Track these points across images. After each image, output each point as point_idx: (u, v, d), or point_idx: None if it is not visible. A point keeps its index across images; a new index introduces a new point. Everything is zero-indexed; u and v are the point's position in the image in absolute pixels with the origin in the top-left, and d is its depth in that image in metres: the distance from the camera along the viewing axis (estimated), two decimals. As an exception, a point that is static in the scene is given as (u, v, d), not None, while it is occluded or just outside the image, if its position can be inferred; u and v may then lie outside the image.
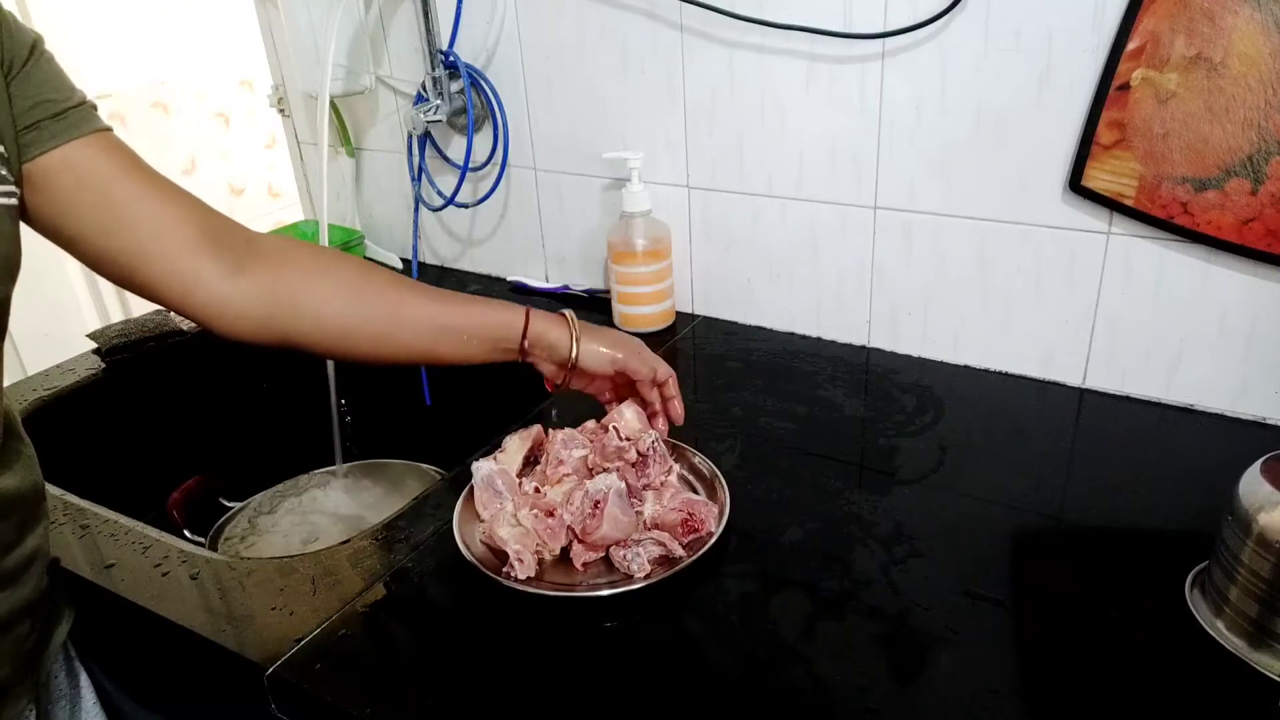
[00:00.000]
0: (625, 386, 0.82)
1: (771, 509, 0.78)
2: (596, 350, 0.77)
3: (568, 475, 0.76)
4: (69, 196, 0.62)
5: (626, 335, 0.81)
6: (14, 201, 0.60)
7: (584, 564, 0.71)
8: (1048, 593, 0.67)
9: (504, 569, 0.69)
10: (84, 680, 0.77)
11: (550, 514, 0.72)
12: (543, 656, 0.64)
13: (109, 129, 0.65)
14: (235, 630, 0.67)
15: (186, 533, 1.05)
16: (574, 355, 0.76)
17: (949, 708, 0.58)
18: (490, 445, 0.86)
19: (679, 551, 0.70)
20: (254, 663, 0.64)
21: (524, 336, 0.75)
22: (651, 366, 0.79)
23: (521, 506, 0.74)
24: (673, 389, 0.81)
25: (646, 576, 0.68)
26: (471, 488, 0.78)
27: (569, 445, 0.77)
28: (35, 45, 0.62)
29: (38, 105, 0.61)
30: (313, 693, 0.61)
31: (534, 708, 0.60)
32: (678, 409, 0.81)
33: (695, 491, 0.78)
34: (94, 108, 0.65)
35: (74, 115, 0.63)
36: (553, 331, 0.76)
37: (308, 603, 0.69)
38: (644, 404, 0.81)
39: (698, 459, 0.81)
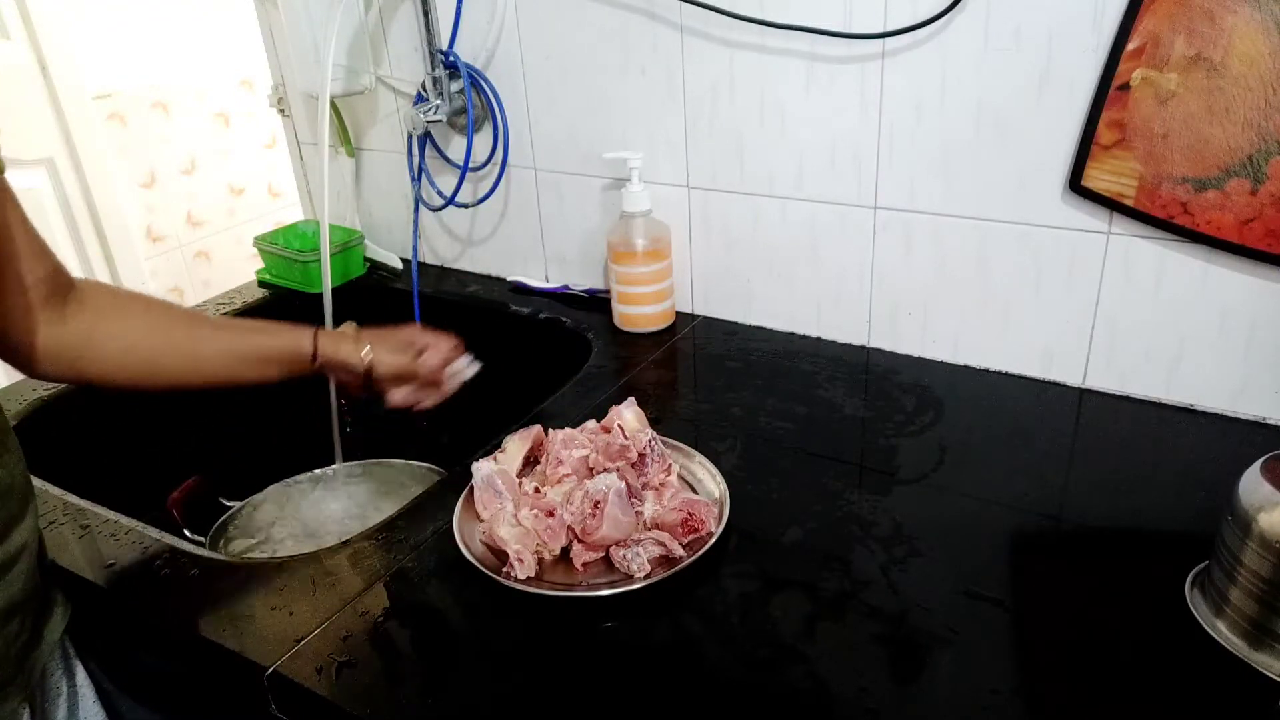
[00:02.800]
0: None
1: (771, 509, 0.78)
2: (387, 358, 0.85)
3: (567, 475, 0.76)
4: None
5: (406, 330, 0.90)
6: None
7: (584, 564, 0.71)
8: (1048, 593, 0.67)
9: (504, 569, 0.69)
10: (81, 677, 0.77)
11: (550, 514, 0.72)
12: (543, 656, 0.64)
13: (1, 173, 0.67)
14: (235, 630, 0.67)
15: (186, 532, 1.05)
16: (366, 364, 0.84)
17: (949, 708, 0.58)
18: (490, 445, 0.86)
19: (679, 551, 0.70)
20: (254, 663, 0.64)
21: (314, 358, 0.83)
22: (438, 356, 0.88)
23: (522, 506, 0.74)
24: (435, 359, 0.89)
25: (647, 576, 0.68)
26: (471, 488, 0.78)
27: (569, 445, 0.77)
28: None
29: None
30: (313, 693, 0.61)
31: (534, 708, 0.60)
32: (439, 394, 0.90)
33: (694, 492, 0.78)
34: None
35: None
36: (343, 348, 0.84)
37: (308, 603, 0.69)
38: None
39: (697, 459, 0.81)
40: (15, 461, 0.68)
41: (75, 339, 0.73)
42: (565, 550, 0.72)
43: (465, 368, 0.91)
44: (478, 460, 0.79)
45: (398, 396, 0.88)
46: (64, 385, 1.06)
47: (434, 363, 0.88)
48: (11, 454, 0.68)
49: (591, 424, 0.82)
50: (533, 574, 0.69)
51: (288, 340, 0.83)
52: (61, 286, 0.73)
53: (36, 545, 0.70)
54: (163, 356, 0.77)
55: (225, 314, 1.27)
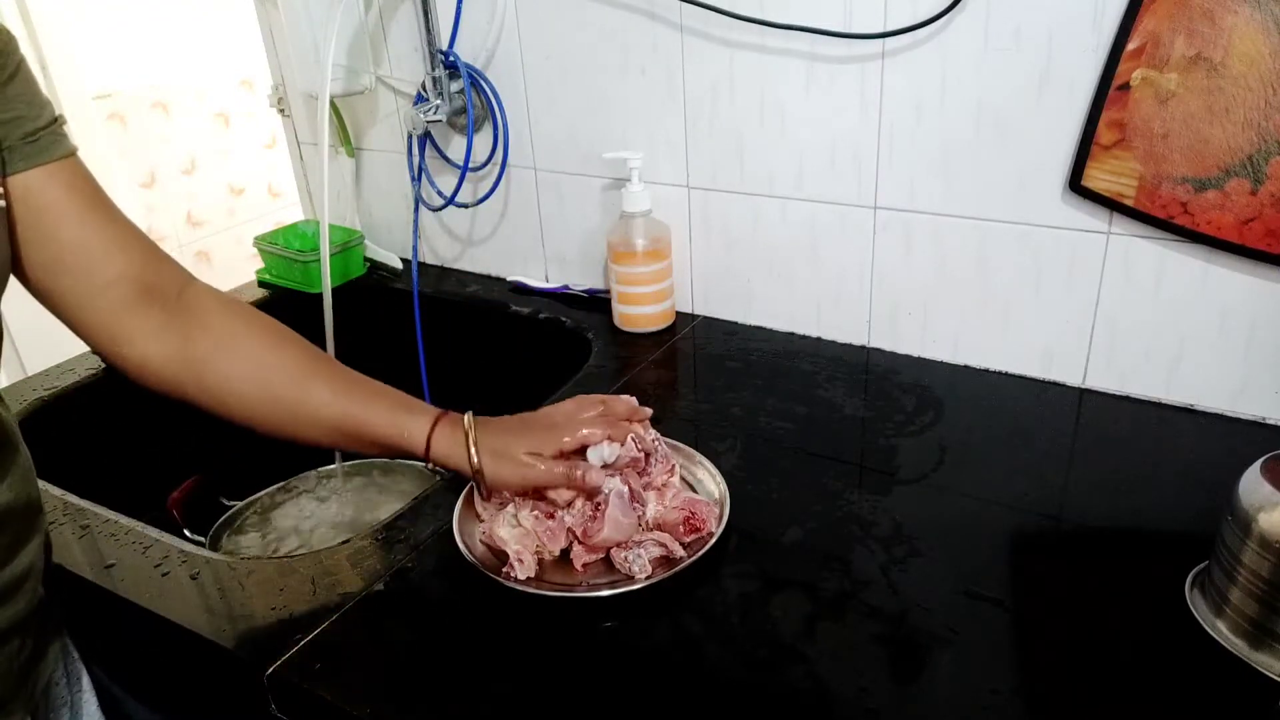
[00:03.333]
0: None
1: (771, 509, 0.78)
2: (498, 451, 0.71)
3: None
4: (21, 226, 0.62)
5: (536, 418, 0.75)
6: (1, 204, 0.60)
7: (584, 565, 0.71)
8: (1048, 593, 0.67)
9: (504, 569, 0.69)
10: (85, 683, 0.76)
11: (550, 516, 0.72)
12: (543, 657, 0.64)
13: (74, 153, 0.65)
14: (235, 630, 0.67)
15: (186, 532, 1.05)
16: (476, 469, 0.71)
17: (949, 708, 0.58)
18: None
19: (679, 552, 0.70)
20: (254, 663, 0.64)
21: (426, 456, 0.72)
22: (595, 426, 0.72)
23: (522, 507, 0.74)
24: (639, 418, 0.76)
25: (648, 577, 0.68)
26: (471, 488, 0.78)
27: None
28: (17, 56, 0.61)
29: (11, 122, 0.60)
30: (313, 693, 0.61)
31: (534, 708, 0.60)
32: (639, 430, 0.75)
33: (695, 492, 0.78)
34: (63, 124, 0.65)
35: (45, 138, 0.62)
36: (454, 456, 0.71)
37: (308, 603, 0.69)
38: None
39: (697, 459, 0.81)
40: (25, 476, 0.65)
41: (175, 363, 0.68)
42: (566, 551, 0.72)
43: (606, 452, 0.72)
44: None
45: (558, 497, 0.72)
46: (64, 385, 1.06)
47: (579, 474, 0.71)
48: (23, 470, 0.65)
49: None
50: (533, 574, 0.69)
51: (398, 429, 0.71)
52: (152, 293, 0.67)
53: (43, 562, 0.68)
54: (265, 406, 0.70)
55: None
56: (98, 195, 0.66)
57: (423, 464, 0.73)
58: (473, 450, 0.70)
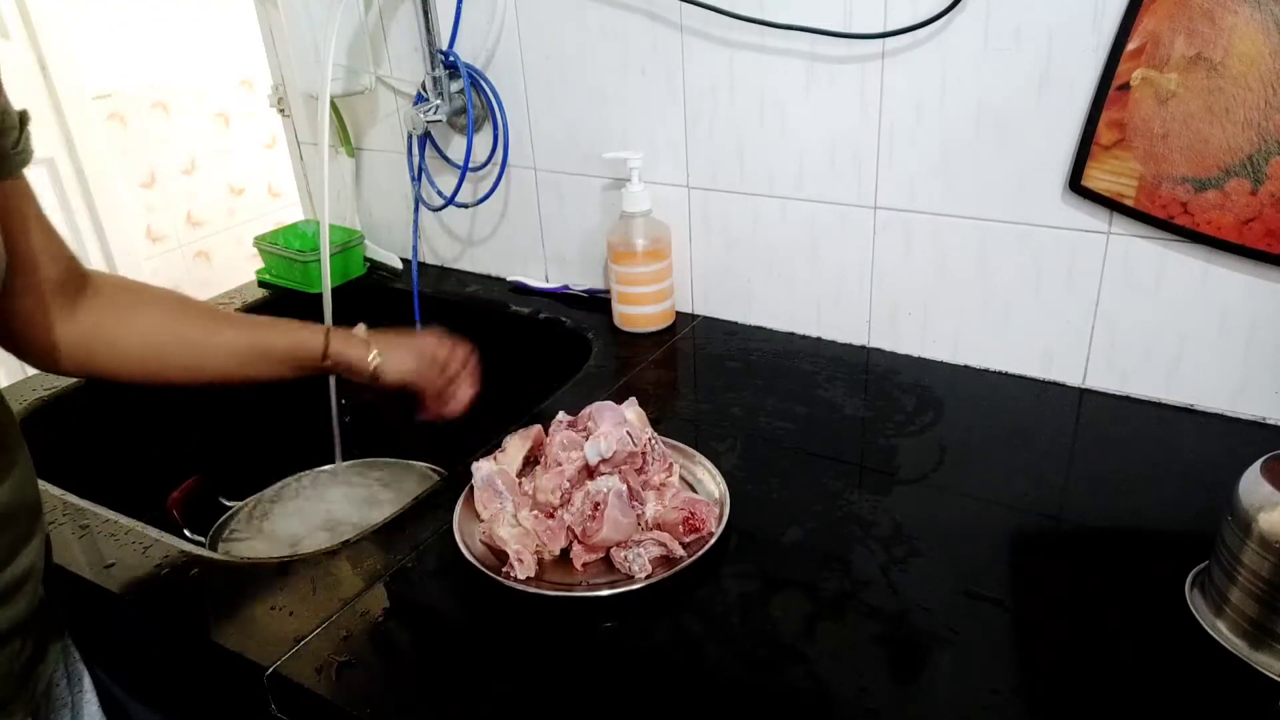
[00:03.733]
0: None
1: (771, 509, 0.78)
2: (396, 366, 0.85)
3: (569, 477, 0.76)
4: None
5: (423, 339, 0.89)
6: None
7: (584, 564, 0.71)
8: (1048, 593, 0.67)
9: (504, 569, 0.69)
10: (86, 683, 0.76)
11: (550, 515, 0.72)
12: (543, 656, 0.64)
13: (25, 166, 0.66)
14: (235, 630, 0.67)
15: (186, 532, 1.05)
16: (373, 368, 0.84)
17: (949, 708, 0.58)
18: (490, 445, 0.86)
19: (679, 551, 0.70)
20: (254, 663, 0.64)
21: (324, 356, 0.82)
22: (443, 370, 0.88)
23: (521, 507, 0.74)
24: (455, 369, 0.90)
25: (648, 577, 0.68)
26: (471, 488, 0.78)
27: (568, 448, 0.77)
28: None
29: (5, 132, 0.62)
30: (313, 693, 0.61)
31: (534, 708, 0.60)
32: (455, 405, 0.90)
33: (694, 492, 0.78)
34: (27, 130, 0.66)
35: (24, 147, 0.64)
36: (352, 350, 0.84)
37: (308, 603, 0.69)
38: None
39: (697, 459, 0.81)
40: (25, 476, 0.66)
41: (89, 331, 0.72)
42: (565, 550, 0.72)
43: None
44: (478, 460, 0.79)
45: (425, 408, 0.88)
46: (64, 385, 1.06)
47: (440, 376, 0.88)
48: (23, 471, 0.65)
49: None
50: (532, 574, 0.69)
51: (299, 338, 0.82)
52: (75, 281, 0.72)
53: (43, 563, 0.68)
54: (174, 350, 0.77)
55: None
56: (35, 199, 0.68)
57: (323, 366, 0.83)
58: (371, 345, 0.84)
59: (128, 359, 0.75)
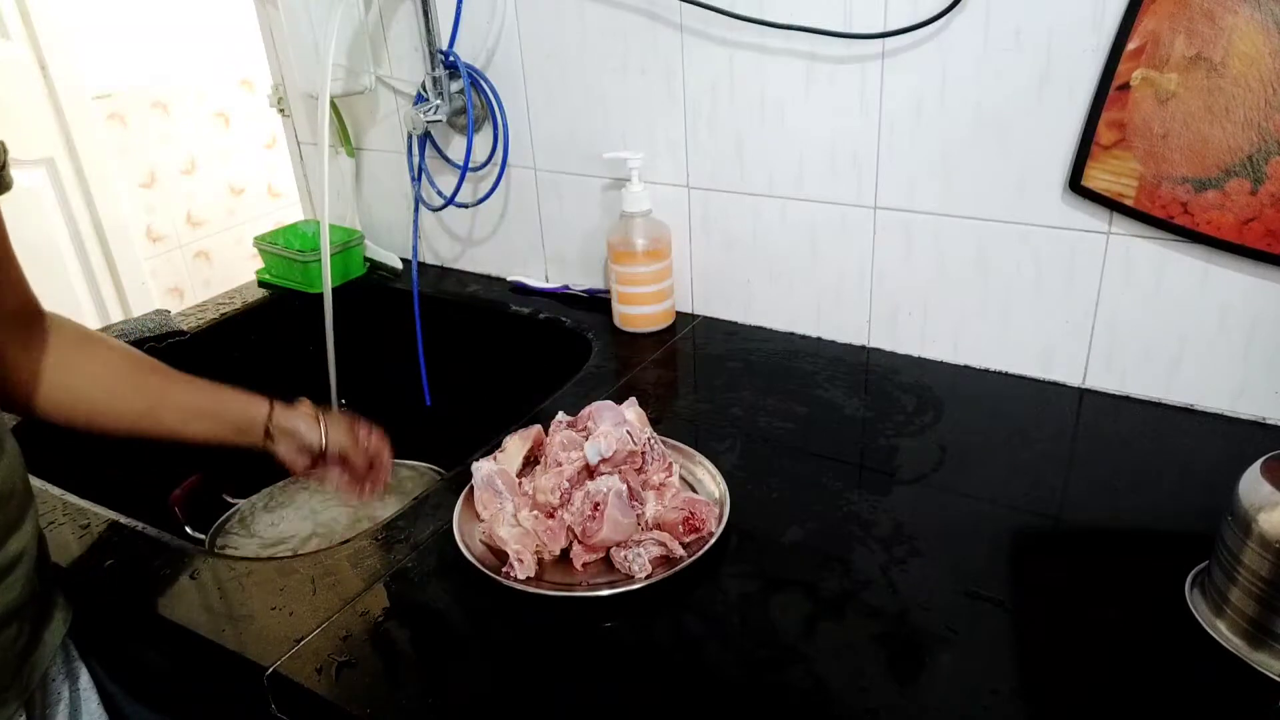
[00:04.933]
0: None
1: (771, 509, 0.78)
2: (339, 438, 0.84)
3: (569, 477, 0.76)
4: None
5: (347, 419, 0.87)
6: None
7: (584, 564, 0.71)
8: (1048, 593, 0.67)
9: (504, 569, 0.69)
10: (85, 681, 0.77)
11: (550, 515, 0.72)
12: (542, 656, 0.64)
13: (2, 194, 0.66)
14: (235, 630, 0.67)
15: (188, 529, 1.05)
16: (324, 445, 0.83)
17: (949, 708, 0.58)
18: (490, 445, 0.86)
19: (679, 551, 0.70)
20: (254, 663, 0.64)
21: (266, 429, 0.82)
22: (366, 450, 0.87)
23: (522, 507, 0.74)
24: (384, 459, 0.89)
25: (648, 577, 0.68)
26: (471, 488, 0.78)
27: (568, 448, 0.77)
28: None
29: None
30: (313, 693, 0.61)
31: (534, 707, 0.60)
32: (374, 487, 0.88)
33: (695, 492, 0.78)
34: (7, 161, 0.66)
35: (5, 173, 0.64)
36: (300, 423, 0.82)
37: (308, 603, 0.69)
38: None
39: (697, 459, 0.81)
40: (13, 465, 0.67)
41: (43, 368, 0.72)
42: (565, 550, 0.72)
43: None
44: (478, 460, 0.79)
45: (340, 482, 0.87)
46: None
47: (364, 455, 0.87)
48: (8, 456, 0.67)
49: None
50: (533, 574, 0.69)
51: (245, 406, 0.82)
52: (29, 315, 0.72)
53: (36, 550, 0.69)
54: (128, 398, 0.77)
55: (225, 315, 1.27)
56: (3, 230, 0.68)
57: (265, 441, 0.82)
58: (317, 415, 0.84)
59: (79, 401, 0.74)
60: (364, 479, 0.87)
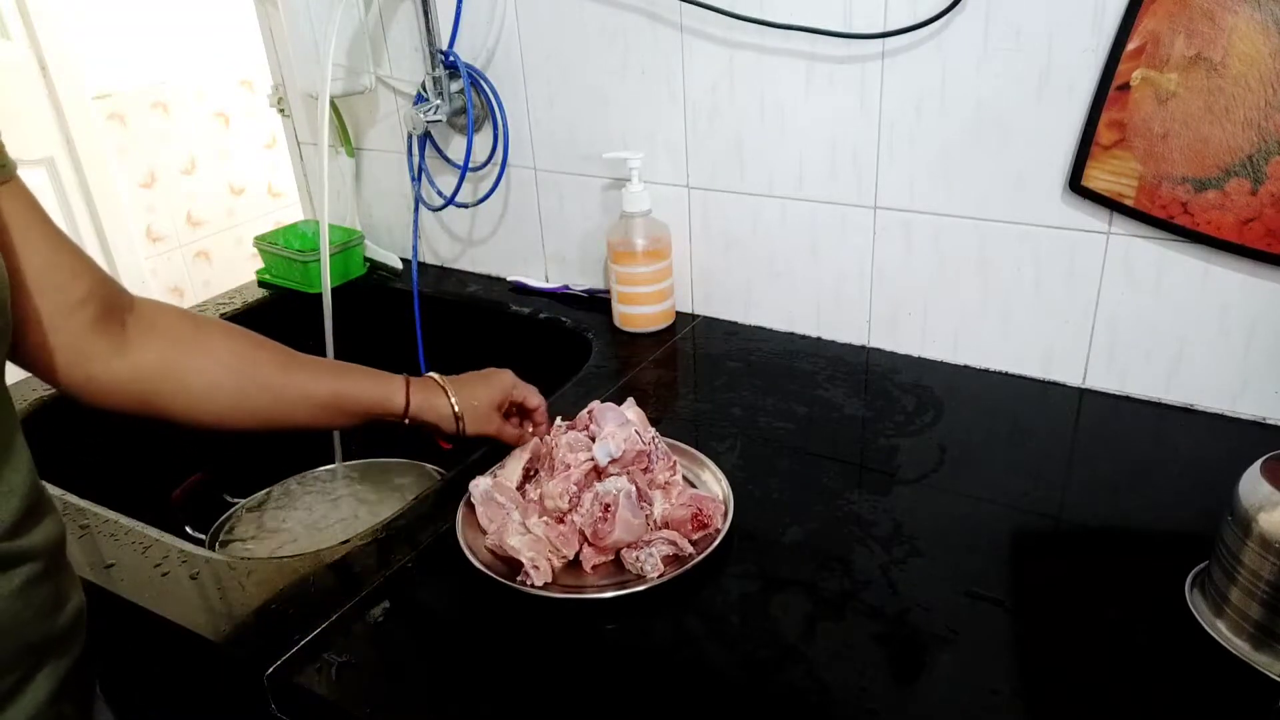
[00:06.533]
0: (513, 418, 0.86)
1: (771, 509, 0.78)
2: (474, 404, 0.81)
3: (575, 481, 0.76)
4: None
5: (491, 373, 0.85)
6: None
7: (594, 566, 0.71)
8: (1048, 593, 0.67)
9: (519, 577, 0.69)
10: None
11: (560, 520, 0.72)
12: (542, 656, 0.64)
13: (15, 176, 0.60)
14: (235, 630, 0.67)
15: (188, 529, 1.05)
16: (459, 415, 0.80)
17: (949, 708, 0.58)
18: (486, 449, 0.86)
19: (689, 549, 0.70)
20: (254, 663, 0.64)
21: (405, 412, 0.78)
22: (529, 391, 0.85)
23: (530, 514, 0.74)
24: (542, 417, 0.86)
25: (659, 576, 0.68)
26: (469, 501, 0.77)
27: (575, 449, 0.76)
28: None
29: None
30: (313, 693, 0.61)
31: (534, 707, 0.60)
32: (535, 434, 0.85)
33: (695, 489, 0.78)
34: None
35: None
36: (437, 402, 0.79)
37: (308, 603, 0.69)
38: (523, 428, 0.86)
39: (699, 458, 0.81)
40: (57, 517, 0.62)
41: (148, 372, 0.66)
42: (576, 553, 0.72)
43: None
44: (475, 479, 0.78)
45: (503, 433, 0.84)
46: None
47: (530, 399, 0.85)
48: (53, 507, 0.62)
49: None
50: (549, 579, 0.69)
51: (380, 392, 0.77)
52: (115, 309, 0.66)
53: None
54: (249, 396, 0.71)
55: (225, 315, 1.27)
56: (45, 214, 0.63)
57: (402, 423, 0.79)
58: (452, 401, 0.80)
59: (198, 402, 0.69)
60: (518, 437, 0.84)
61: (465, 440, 0.82)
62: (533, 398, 0.86)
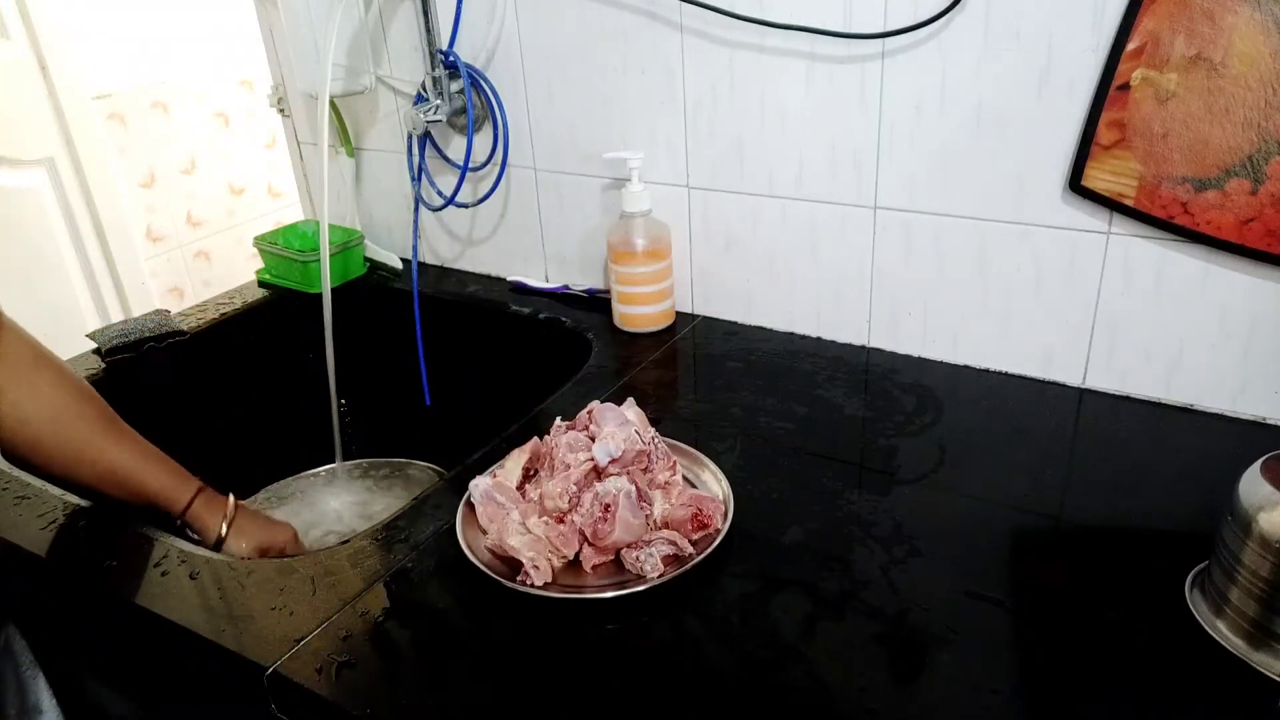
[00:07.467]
0: None
1: (771, 509, 0.78)
2: (242, 536, 0.85)
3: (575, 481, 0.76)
4: None
5: (281, 524, 0.89)
6: None
7: (594, 566, 0.71)
8: (1048, 593, 0.67)
9: (519, 577, 0.69)
10: (31, 671, 0.76)
11: (560, 520, 0.72)
12: (542, 656, 0.64)
13: None
14: (235, 630, 0.67)
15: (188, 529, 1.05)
16: (221, 539, 0.84)
17: (949, 708, 0.58)
18: (487, 449, 0.86)
19: (689, 549, 0.70)
20: (254, 663, 0.64)
21: (181, 515, 0.83)
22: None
23: (529, 514, 0.74)
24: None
25: (659, 576, 0.68)
26: (469, 502, 0.77)
27: (575, 449, 0.77)
28: None
29: None
30: (313, 693, 0.61)
31: (534, 707, 0.60)
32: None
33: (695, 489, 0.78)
34: None
35: None
36: (208, 524, 0.84)
37: (308, 603, 0.69)
38: None
39: (699, 458, 0.81)
40: None
41: None
42: (575, 553, 0.72)
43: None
44: (475, 479, 0.78)
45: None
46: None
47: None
48: None
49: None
50: (549, 579, 0.69)
51: (167, 490, 0.83)
52: None
53: None
54: (49, 444, 0.76)
55: (225, 315, 1.27)
56: None
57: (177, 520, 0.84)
58: (224, 524, 0.84)
59: (9, 432, 0.73)
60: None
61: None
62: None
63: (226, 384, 1.22)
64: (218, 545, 0.84)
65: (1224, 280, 0.83)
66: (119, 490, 0.80)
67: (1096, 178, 0.84)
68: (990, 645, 0.62)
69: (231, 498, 0.87)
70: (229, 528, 0.84)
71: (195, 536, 0.85)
